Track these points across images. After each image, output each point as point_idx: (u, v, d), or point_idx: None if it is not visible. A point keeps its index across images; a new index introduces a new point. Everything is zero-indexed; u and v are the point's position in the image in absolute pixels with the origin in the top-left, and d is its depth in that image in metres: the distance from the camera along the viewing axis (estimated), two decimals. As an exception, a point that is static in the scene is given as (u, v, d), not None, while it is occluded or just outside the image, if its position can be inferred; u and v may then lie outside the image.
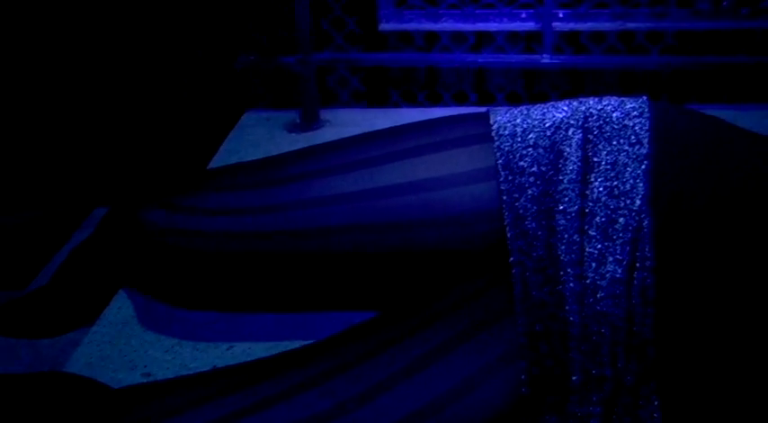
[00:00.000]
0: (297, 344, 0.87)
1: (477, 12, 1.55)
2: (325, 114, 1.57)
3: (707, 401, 0.77)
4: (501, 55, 1.57)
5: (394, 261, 0.87)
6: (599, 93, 1.68)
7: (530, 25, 1.50)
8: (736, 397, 0.77)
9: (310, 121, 1.51)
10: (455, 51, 1.61)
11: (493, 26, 1.48)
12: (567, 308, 0.78)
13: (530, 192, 0.83)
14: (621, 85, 1.72)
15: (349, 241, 0.87)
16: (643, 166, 0.82)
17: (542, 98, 1.08)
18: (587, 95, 0.91)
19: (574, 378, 0.77)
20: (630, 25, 1.48)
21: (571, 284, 0.79)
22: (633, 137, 0.85)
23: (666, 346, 0.76)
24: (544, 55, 1.40)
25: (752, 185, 0.80)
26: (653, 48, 1.63)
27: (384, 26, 1.52)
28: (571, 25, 1.47)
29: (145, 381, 0.91)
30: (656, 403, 0.76)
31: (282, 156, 0.96)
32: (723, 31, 1.61)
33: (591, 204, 0.82)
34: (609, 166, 0.83)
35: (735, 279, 0.75)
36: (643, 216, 0.79)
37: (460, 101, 1.74)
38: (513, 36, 1.61)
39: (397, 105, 1.71)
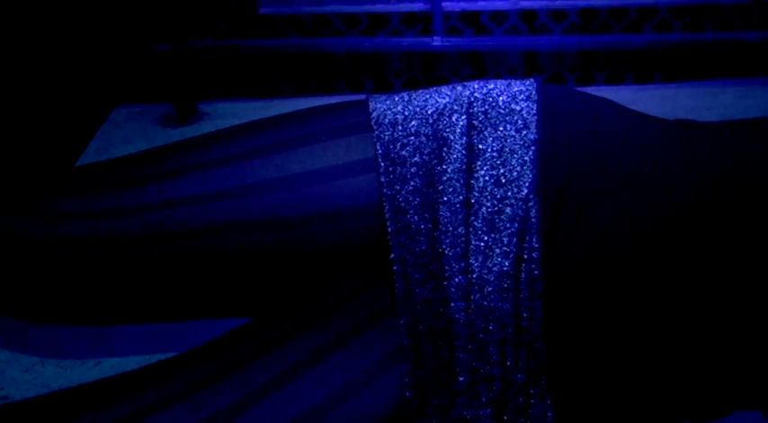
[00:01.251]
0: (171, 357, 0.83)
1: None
2: (205, 107, 1.53)
3: (600, 398, 0.77)
4: (393, 38, 1.55)
5: (270, 262, 0.85)
6: (502, 76, 1.70)
7: (419, 6, 1.48)
8: (630, 392, 0.77)
9: (187, 115, 1.46)
10: (348, 35, 1.59)
11: (381, 8, 1.45)
12: (452, 305, 0.78)
13: (412, 183, 0.82)
14: (527, 67, 1.72)
15: (219, 243, 0.84)
16: (530, 153, 0.82)
17: (443, 83, 1.07)
18: (490, 79, 0.91)
19: (461, 379, 0.77)
20: (526, 3, 1.47)
21: (456, 280, 0.78)
22: (520, 121, 0.85)
23: (557, 341, 0.76)
24: (435, 37, 1.38)
25: (644, 169, 0.80)
26: (556, 27, 1.63)
27: (264, 10, 1.48)
28: (462, 5, 1.45)
29: (1, 403, 0.86)
30: (548, 402, 0.76)
31: (147, 152, 0.93)
32: (626, 8, 1.62)
33: (477, 194, 0.81)
34: (495, 154, 0.83)
35: (625, 268, 0.75)
36: (530, 205, 0.79)
37: (356, 88, 1.72)
38: (408, 18, 1.59)
39: (288, 96, 1.68)
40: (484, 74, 1.70)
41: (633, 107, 0.91)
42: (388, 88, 1.68)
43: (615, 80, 1.70)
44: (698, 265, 0.75)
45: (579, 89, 0.93)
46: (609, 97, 0.91)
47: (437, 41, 1.33)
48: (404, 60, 1.68)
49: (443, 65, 1.70)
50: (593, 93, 0.92)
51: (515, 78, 0.90)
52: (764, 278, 0.74)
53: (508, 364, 0.76)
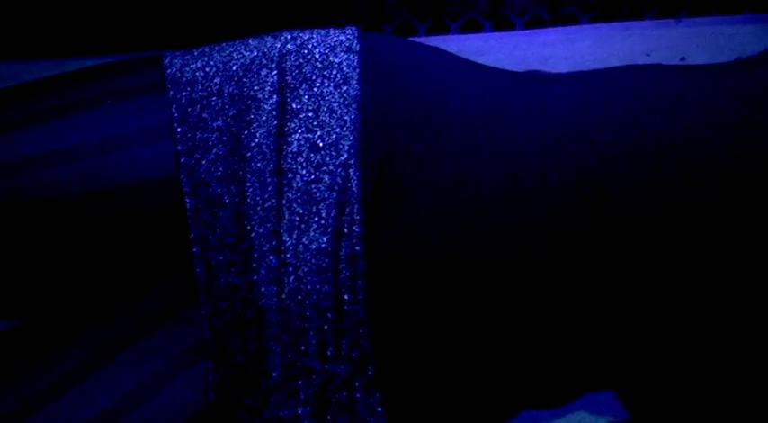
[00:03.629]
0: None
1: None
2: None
3: (435, 389, 0.76)
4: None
5: (45, 250, 0.78)
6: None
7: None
8: (467, 381, 0.76)
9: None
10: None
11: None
12: (262, 290, 0.75)
13: (214, 151, 0.78)
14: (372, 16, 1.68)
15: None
16: (351, 112, 0.79)
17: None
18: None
19: (274, 374, 0.75)
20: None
21: (267, 261, 0.75)
22: (339, 76, 0.82)
23: (383, 326, 0.74)
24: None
25: (478, 128, 0.78)
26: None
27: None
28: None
29: None
30: (377, 395, 0.75)
31: None
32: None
33: (290, 162, 0.78)
34: (311, 114, 0.80)
35: (452, 242, 0.74)
36: (351, 172, 0.77)
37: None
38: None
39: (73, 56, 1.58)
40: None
41: (483, 58, 0.90)
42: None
43: (469, 28, 1.67)
44: (530, 237, 0.74)
45: (413, 39, 0.90)
46: (458, 48, 0.90)
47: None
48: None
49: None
50: (439, 44, 0.90)
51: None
52: (590, 252, 0.73)
53: (329, 354, 0.75)
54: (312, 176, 0.77)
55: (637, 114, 0.77)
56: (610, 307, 0.74)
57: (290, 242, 0.75)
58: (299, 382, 0.75)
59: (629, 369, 0.77)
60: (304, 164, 0.78)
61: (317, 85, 0.81)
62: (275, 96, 0.80)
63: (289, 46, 0.84)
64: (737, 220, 0.72)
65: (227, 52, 0.84)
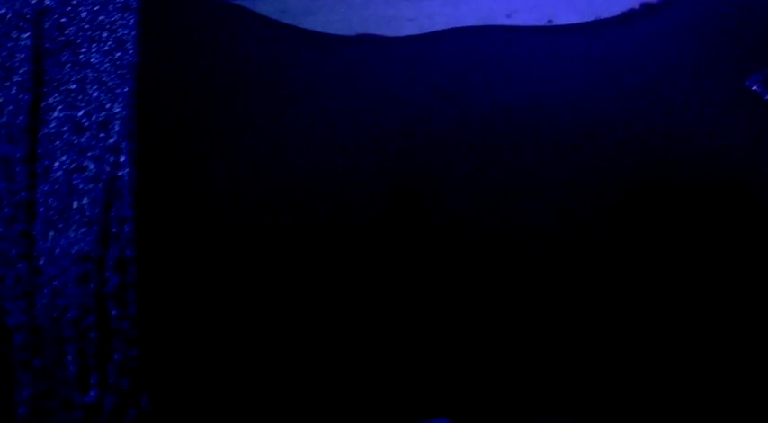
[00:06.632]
0: None
1: None
2: None
3: (231, 417, 0.71)
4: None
5: None
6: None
7: None
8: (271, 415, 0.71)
9: None
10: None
11: None
12: (7, 305, 0.71)
13: None
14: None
15: None
16: (125, 84, 0.75)
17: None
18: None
19: (21, 410, 0.70)
20: None
21: (15, 269, 0.71)
22: (111, 40, 0.77)
23: (159, 347, 0.70)
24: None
25: (286, 104, 0.73)
26: None
27: None
28: None
29: None
30: None
31: None
32: None
33: (47, 145, 0.73)
34: (75, 87, 0.75)
35: (245, 243, 0.69)
36: (122, 158, 0.72)
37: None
38: None
39: None
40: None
41: (310, 20, 0.84)
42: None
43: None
44: (339, 232, 0.69)
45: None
46: (280, 7, 0.84)
47: None
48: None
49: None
50: (257, 2, 0.85)
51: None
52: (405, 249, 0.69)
53: (92, 382, 0.70)
54: (74, 164, 0.73)
55: (462, 87, 0.74)
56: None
57: (44, 246, 0.71)
58: (55, 419, 0.70)
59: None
60: (64, 148, 0.73)
61: (84, 50, 0.77)
62: (28, 64, 0.76)
63: (48, 2, 0.79)
64: (585, 207, 0.70)
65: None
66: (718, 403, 0.72)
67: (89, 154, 0.73)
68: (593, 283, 0.70)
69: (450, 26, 0.88)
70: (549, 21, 1.27)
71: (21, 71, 0.75)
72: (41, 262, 0.70)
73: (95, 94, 0.75)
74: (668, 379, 0.72)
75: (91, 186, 0.72)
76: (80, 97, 0.75)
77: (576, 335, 0.70)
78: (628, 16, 0.83)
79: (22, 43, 0.76)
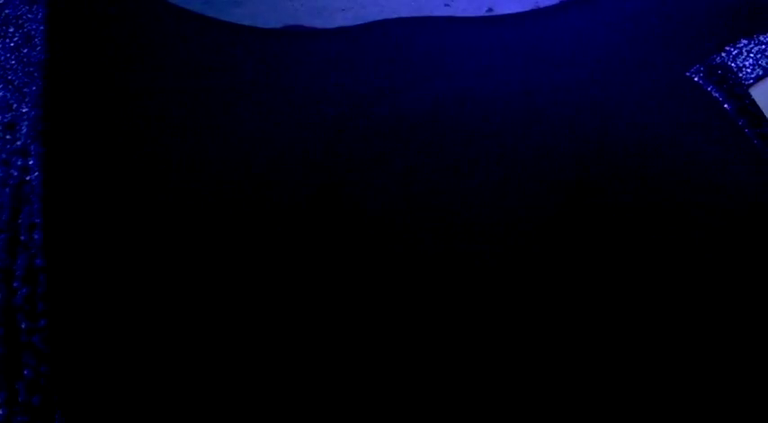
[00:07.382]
0: None
1: None
2: None
3: None
4: None
5: None
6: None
7: None
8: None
9: None
10: None
11: None
12: None
13: None
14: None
15: None
16: (33, 83, 0.74)
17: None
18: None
19: None
20: None
21: None
22: (18, 35, 0.76)
23: (72, 362, 0.68)
24: None
25: (211, 102, 0.73)
26: None
27: None
28: None
29: None
30: None
31: None
32: None
33: None
34: None
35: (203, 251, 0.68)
36: (30, 162, 0.71)
37: None
38: None
39: None
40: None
41: (237, 12, 0.85)
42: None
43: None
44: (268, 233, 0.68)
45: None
46: (198, 0, 0.83)
47: None
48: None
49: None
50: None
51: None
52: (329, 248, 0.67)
53: (0, 401, 0.68)
54: None
55: (392, 81, 0.75)
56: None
57: (-53, 257, 0.69)
58: (-41, 441, 0.67)
59: None
60: None
61: (-12, 46, 0.76)
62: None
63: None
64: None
65: None
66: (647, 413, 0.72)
67: None
68: (527, 278, 0.69)
69: (384, 16, 0.90)
70: (489, 9, 1.26)
71: None
72: (-56, 273, 0.68)
73: (1, 94, 0.74)
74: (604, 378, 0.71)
75: None
76: None
77: (505, 337, 0.69)
78: (566, 5, 0.83)
79: None
